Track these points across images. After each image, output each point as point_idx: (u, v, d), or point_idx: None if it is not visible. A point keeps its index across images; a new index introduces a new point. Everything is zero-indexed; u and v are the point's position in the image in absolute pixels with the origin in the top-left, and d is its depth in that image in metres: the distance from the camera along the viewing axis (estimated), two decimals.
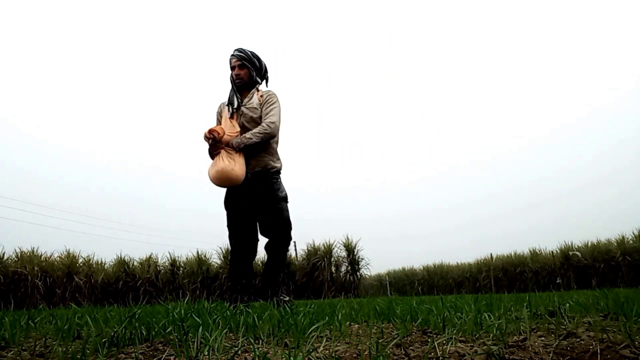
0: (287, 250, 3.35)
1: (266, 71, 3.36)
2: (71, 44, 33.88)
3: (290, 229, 3.27)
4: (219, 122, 3.35)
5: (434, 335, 1.56)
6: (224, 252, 12.35)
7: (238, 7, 40.87)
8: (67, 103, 32.94)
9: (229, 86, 3.32)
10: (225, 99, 3.34)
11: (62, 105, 32.67)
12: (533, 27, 35.95)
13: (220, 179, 3.01)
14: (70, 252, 10.85)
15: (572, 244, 12.99)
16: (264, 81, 3.38)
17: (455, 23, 39.08)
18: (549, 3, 35.23)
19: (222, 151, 3.03)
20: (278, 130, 3.19)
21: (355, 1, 40.65)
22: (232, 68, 3.25)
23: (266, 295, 3.19)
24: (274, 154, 3.25)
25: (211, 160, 3.10)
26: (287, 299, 3.24)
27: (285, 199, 3.25)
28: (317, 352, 1.29)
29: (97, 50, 34.45)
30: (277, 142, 3.29)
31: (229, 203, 3.18)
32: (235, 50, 3.24)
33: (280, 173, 3.26)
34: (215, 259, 12.33)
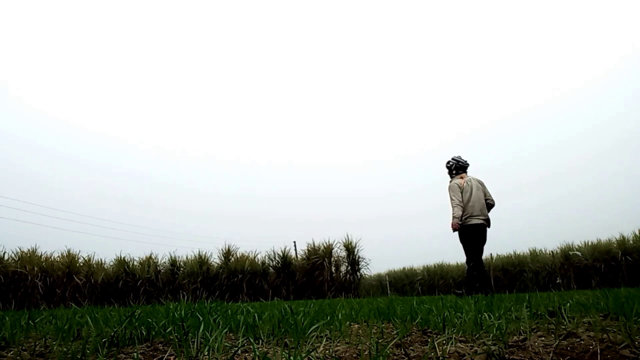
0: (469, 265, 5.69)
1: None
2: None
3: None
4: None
5: (434, 335, 1.56)
6: (223, 252, 12.37)
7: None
8: (66, 105, 32.94)
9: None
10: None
11: (61, 107, 32.66)
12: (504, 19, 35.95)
13: None
14: (71, 252, 10.86)
15: (572, 244, 12.98)
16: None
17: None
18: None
19: None
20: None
21: None
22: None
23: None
24: None
25: None
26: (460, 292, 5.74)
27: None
28: (317, 352, 1.29)
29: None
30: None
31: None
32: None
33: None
34: (216, 259, 12.33)
